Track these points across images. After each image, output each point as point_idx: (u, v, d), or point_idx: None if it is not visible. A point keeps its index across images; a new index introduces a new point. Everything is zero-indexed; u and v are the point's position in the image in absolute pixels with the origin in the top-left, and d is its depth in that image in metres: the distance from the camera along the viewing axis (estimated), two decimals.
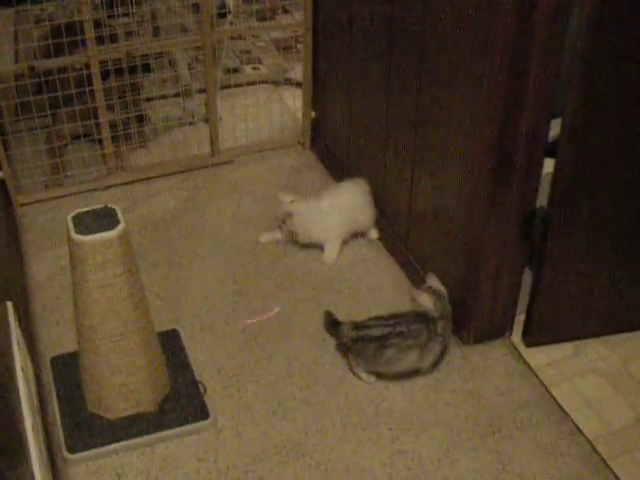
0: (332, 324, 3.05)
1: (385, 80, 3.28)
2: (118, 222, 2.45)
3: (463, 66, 2.67)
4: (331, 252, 3.51)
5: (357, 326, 2.93)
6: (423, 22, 2.87)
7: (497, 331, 3.09)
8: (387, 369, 2.92)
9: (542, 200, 2.79)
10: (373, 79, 3.41)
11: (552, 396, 2.86)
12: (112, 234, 2.40)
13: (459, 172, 2.84)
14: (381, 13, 3.20)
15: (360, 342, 2.89)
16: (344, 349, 3.02)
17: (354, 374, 2.97)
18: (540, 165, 2.73)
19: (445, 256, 3.07)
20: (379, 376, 2.95)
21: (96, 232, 2.41)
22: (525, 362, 3.00)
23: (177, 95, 4.45)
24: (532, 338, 3.05)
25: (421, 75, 2.97)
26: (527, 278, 3.00)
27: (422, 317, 2.92)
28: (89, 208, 2.53)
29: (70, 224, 2.46)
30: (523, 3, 2.37)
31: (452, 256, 3.01)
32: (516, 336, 3.08)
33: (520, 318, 3.07)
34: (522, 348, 3.05)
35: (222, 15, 4.37)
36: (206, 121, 4.29)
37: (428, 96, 2.95)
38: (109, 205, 2.54)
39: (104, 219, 2.47)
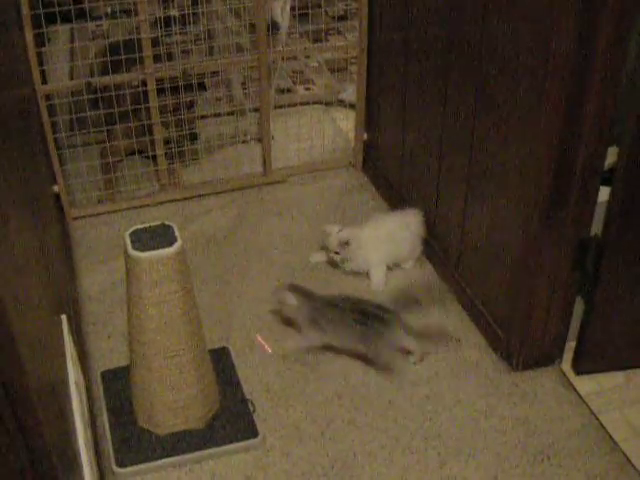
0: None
1: (441, 104, 3.28)
2: (175, 239, 2.47)
3: (521, 93, 2.67)
4: (379, 278, 3.51)
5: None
6: (481, 48, 2.87)
7: (547, 358, 3.08)
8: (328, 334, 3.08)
9: (596, 228, 2.78)
10: (428, 102, 3.42)
11: (602, 425, 2.84)
12: (169, 251, 2.43)
13: (513, 198, 2.83)
14: (438, 37, 3.21)
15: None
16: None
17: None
18: (595, 193, 2.71)
19: (497, 282, 3.06)
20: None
21: (153, 249, 2.43)
22: (575, 390, 2.98)
23: (231, 114, 4.48)
24: (582, 366, 3.03)
25: (477, 100, 2.97)
26: (579, 305, 2.98)
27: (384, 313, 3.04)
28: (146, 225, 2.55)
29: (127, 240, 2.48)
30: (583, 32, 2.37)
31: (504, 282, 3.00)
32: (566, 363, 3.06)
33: (571, 345, 3.05)
34: (572, 376, 3.03)
35: (274, 27, 4.41)
36: (259, 140, 4.32)
37: (484, 121, 2.95)
38: (166, 222, 2.56)
39: (161, 236, 2.50)
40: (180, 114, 3.94)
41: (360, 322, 2.98)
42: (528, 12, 2.54)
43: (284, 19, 4.49)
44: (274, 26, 4.44)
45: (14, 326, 1.36)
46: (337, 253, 3.51)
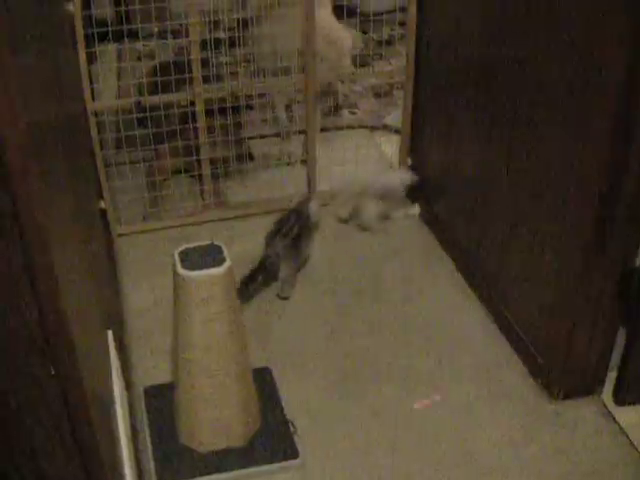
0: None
1: (486, 132, 3.30)
2: (224, 259, 2.50)
3: (568, 124, 2.68)
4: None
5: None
6: (526, 78, 2.89)
7: (588, 388, 3.07)
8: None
9: None
10: (473, 130, 3.43)
11: None
12: (218, 271, 2.46)
13: (558, 227, 2.84)
14: (484, 65, 3.23)
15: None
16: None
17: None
18: None
19: (539, 309, 3.06)
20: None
21: (202, 268, 2.46)
22: (615, 420, 2.97)
23: (277, 135, 4.51)
24: (623, 397, 3.02)
25: (524, 129, 2.99)
26: (620, 336, 2.98)
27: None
28: (195, 244, 2.58)
29: (177, 259, 2.51)
30: (632, 63, 2.38)
31: (547, 311, 3.01)
32: (607, 394, 3.05)
33: (612, 375, 3.05)
34: (612, 406, 3.02)
35: None
36: (304, 162, 4.35)
37: (529, 149, 2.96)
38: (215, 242, 2.60)
39: (210, 255, 2.53)
40: (227, 134, 3.98)
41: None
42: (576, 43, 2.56)
43: None
44: None
45: (76, 342, 1.39)
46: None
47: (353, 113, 5.25)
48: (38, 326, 1.32)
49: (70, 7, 3.37)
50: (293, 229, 3.59)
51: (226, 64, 4.12)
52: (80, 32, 3.46)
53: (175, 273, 2.51)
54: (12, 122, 1.16)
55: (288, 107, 4.65)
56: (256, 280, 3.48)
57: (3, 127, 1.15)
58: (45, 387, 1.39)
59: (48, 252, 1.27)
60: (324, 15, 4.26)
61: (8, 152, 1.16)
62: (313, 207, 3.77)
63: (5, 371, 1.35)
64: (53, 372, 1.38)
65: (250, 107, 4.30)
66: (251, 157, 4.19)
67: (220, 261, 2.50)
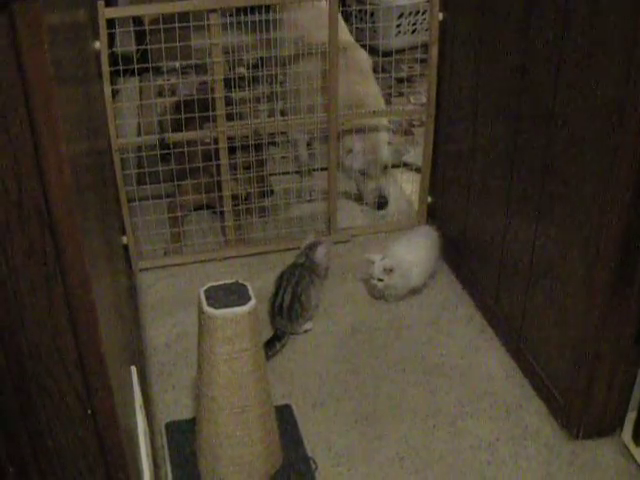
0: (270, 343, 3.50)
1: (507, 172, 3.31)
2: (249, 298, 2.52)
3: (591, 161, 2.69)
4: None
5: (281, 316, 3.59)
6: (551, 117, 2.91)
7: (608, 428, 3.07)
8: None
9: None
10: (494, 170, 3.45)
11: None
12: (244, 309, 2.48)
13: (580, 266, 2.85)
14: (507, 104, 3.25)
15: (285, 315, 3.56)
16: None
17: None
18: None
19: (560, 351, 3.07)
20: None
21: (227, 306, 2.48)
22: (635, 461, 2.96)
23: (298, 172, 4.55)
24: None
25: (545, 171, 3.00)
26: None
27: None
28: (221, 282, 2.61)
29: (202, 296, 2.53)
30: None
31: (568, 350, 3.01)
32: (627, 434, 3.05)
33: (631, 416, 3.05)
34: (633, 447, 3.01)
35: (381, 206, 4.52)
36: (324, 199, 4.38)
37: (551, 193, 2.98)
38: (240, 280, 2.62)
39: (235, 293, 2.55)
40: (250, 171, 4.01)
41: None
42: (601, 87, 2.58)
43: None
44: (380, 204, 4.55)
45: (112, 382, 1.41)
46: (380, 280, 3.70)
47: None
48: (77, 369, 1.34)
49: (97, 45, 3.41)
50: (286, 295, 3.61)
51: (249, 101, 4.16)
52: (106, 69, 3.50)
53: (200, 311, 2.53)
54: (59, 168, 1.19)
55: (309, 144, 4.68)
56: (275, 347, 3.49)
57: (51, 175, 1.18)
58: (81, 428, 1.41)
59: (90, 294, 1.29)
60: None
61: (55, 198, 1.19)
62: (320, 253, 3.80)
63: (43, 413, 1.37)
64: (89, 412, 1.40)
65: (273, 144, 4.34)
66: (271, 192, 4.21)
67: (245, 299, 2.52)
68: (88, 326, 1.31)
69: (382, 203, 4.47)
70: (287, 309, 3.55)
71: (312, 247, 3.81)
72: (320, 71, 4.10)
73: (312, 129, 4.16)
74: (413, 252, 3.80)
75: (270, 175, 4.41)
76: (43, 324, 1.28)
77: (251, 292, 2.56)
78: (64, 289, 1.26)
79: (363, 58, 4.60)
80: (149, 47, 4.07)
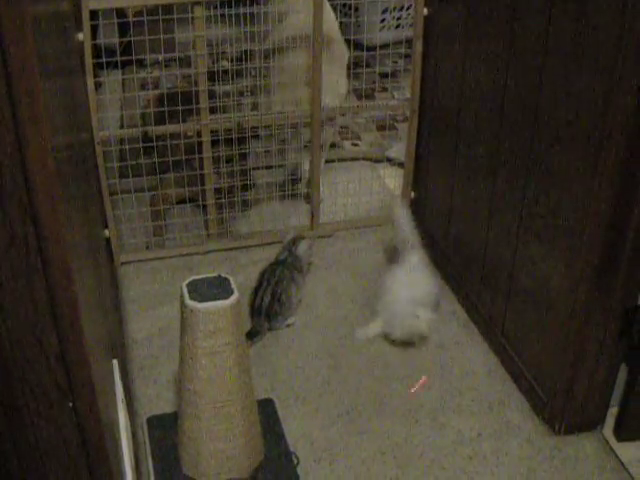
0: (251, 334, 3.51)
1: (491, 166, 3.31)
2: (232, 291, 2.51)
3: (574, 158, 2.70)
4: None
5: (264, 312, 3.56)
6: (536, 110, 2.91)
7: (589, 423, 3.08)
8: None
9: None
10: (478, 164, 3.45)
11: None
12: (226, 303, 2.47)
13: (562, 263, 2.86)
14: (492, 99, 3.25)
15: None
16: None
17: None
18: None
19: (542, 346, 3.07)
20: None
21: (210, 300, 2.47)
22: (616, 456, 2.97)
23: (280, 166, 4.53)
24: (624, 433, 3.02)
25: (529, 163, 3.00)
26: (622, 372, 2.99)
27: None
28: (203, 276, 2.59)
29: (184, 290, 2.52)
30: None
31: (550, 346, 3.02)
32: (608, 429, 3.06)
33: (613, 411, 3.06)
34: (614, 442, 3.02)
35: (295, 181, 4.50)
36: (307, 196, 4.38)
37: (535, 185, 2.98)
38: (222, 274, 2.61)
39: (217, 287, 2.54)
40: (232, 165, 4.00)
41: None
42: (586, 83, 2.58)
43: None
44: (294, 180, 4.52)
45: (93, 375, 1.40)
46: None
47: (356, 145, 5.28)
48: (58, 362, 1.33)
49: (80, 36, 3.39)
50: (266, 295, 3.59)
51: (232, 94, 4.15)
52: (89, 61, 3.48)
53: (182, 304, 2.52)
54: (43, 159, 1.18)
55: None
56: (254, 337, 3.49)
57: (34, 166, 1.16)
58: (63, 421, 1.40)
59: (72, 286, 1.28)
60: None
61: (38, 189, 1.18)
62: (302, 248, 3.80)
63: (24, 405, 1.36)
64: (71, 405, 1.39)
65: (256, 137, 4.32)
66: (253, 186, 4.20)
67: (228, 293, 2.51)
68: (70, 318, 1.30)
69: (295, 179, 4.47)
70: (266, 309, 3.54)
71: (294, 241, 3.79)
72: (304, 63, 4.10)
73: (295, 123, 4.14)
74: (420, 292, 3.59)
75: (254, 169, 4.40)
76: (24, 316, 1.27)
77: (234, 286, 2.55)
78: (46, 281, 1.25)
79: (345, 53, 4.58)
80: (132, 39, 4.04)
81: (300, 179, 4.44)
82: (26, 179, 1.19)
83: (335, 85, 4.31)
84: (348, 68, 4.58)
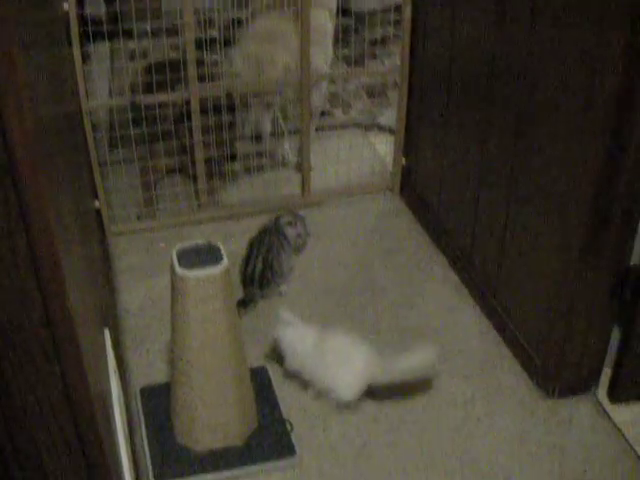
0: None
1: (481, 130, 3.30)
2: (221, 258, 2.50)
3: (564, 120, 2.69)
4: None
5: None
6: (525, 75, 2.90)
7: (583, 385, 3.08)
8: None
9: (636, 258, 2.79)
10: (468, 129, 3.44)
11: (637, 454, 2.83)
12: (216, 270, 2.46)
13: (553, 225, 2.85)
14: (481, 65, 3.23)
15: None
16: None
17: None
18: (636, 222, 2.72)
19: (534, 309, 3.07)
20: None
21: (199, 267, 2.46)
22: (610, 418, 2.98)
23: (272, 135, 4.50)
24: (618, 395, 3.03)
25: (519, 127, 3.00)
26: (615, 334, 2.99)
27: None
28: (193, 243, 2.59)
29: (174, 258, 2.51)
30: (630, 62, 2.39)
31: (542, 309, 3.02)
32: (602, 391, 3.06)
33: (607, 373, 3.06)
34: (607, 404, 3.03)
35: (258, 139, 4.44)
36: (298, 163, 4.36)
37: (525, 148, 2.97)
38: (212, 241, 2.60)
39: (207, 254, 2.53)
40: (221, 134, 3.98)
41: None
42: (576, 41, 2.57)
43: None
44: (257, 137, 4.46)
45: (80, 340, 1.39)
46: None
47: (346, 113, 5.26)
48: (43, 325, 1.33)
49: (65, 6, 3.36)
50: (258, 261, 3.57)
51: (220, 63, 4.13)
52: (75, 31, 3.45)
53: (173, 272, 2.51)
54: (20, 120, 1.17)
55: (282, 106, 4.63)
56: (247, 306, 3.50)
57: (12, 124, 1.15)
58: (49, 385, 1.40)
59: (55, 249, 1.27)
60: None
61: (16, 150, 1.17)
62: (284, 220, 3.72)
63: (10, 369, 1.36)
64: (58, 369, 1.38)
65: (245, 106, 4.30)
66: (234, 157, 4.18)
67: (218, 260, 2.50)
68: (53, 281, 1.29)
69: (258, 137, 4.40)
70: (258, 277, 3.54)
71: (280, 216, 3.77)
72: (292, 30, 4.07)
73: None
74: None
75: (243, 138, 4.38)
76: (7, 278, 1.26)
77: (223, 253, 2.54)
78: (28, 243, 1.23)
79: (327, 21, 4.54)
80: (119, 9, 4.01)
81: (262, 136, 4.39)
82: (5, 141, 1.18)
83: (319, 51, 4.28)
84: (336, 36, 4.55)
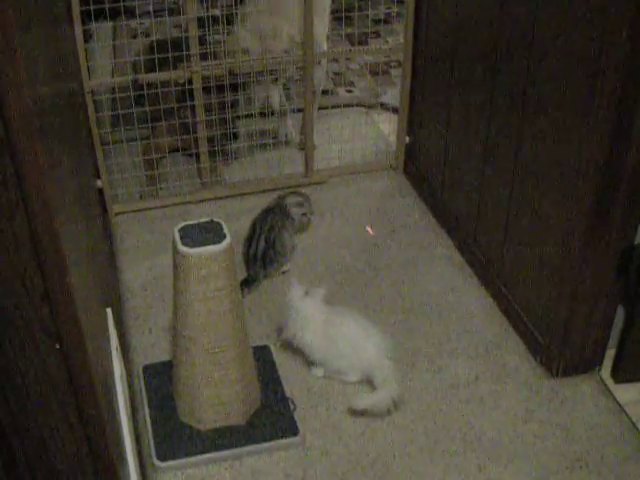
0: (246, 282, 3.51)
1: (485, 108, 3.28)
2: (224, 236, 2.50)
3: (570, 97, 2.67)
4: None
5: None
6: (530, 49, 2.87)
7: (587, 365, 3.08)
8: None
9: None
10: (472, 106, 3.42)
11: None
12: (218, 248, 2.45)
13: (559, 204, 2.84)
14: (485, 40, 3.21)
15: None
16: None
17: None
18: None
19: (539, 288, 3.06)
20: None
21: (202, 245, 2.45)
22: (614, 398, 2.97)
23: (273, 113, 4.49)
24: (622, 374, 3.02)
25: (524, 104, 2.98)
26: (619, 313, 2.98)
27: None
28: (195, 221, 2.58)
29: (176, 236, 2.50)
30: (635, 35, 2.37)
31: (546, 288, 3.00)
32: (605, 371, 3.06)
33: (610, 353, 3.05)
34: (611, 383, 3.02)
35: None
36: (301, 145, 4.35)
37: (530, 126, 2.96)
38: (215, 219, 2.59)
39: (210, 232, 2.52)
40: (224, 113, 3.97)
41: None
42: (581, 14, 2.54)
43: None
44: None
45: (80, 318, 1.38)
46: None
47: (350, 91, 5.24)
48: (43, 301, 1.32)
49: None
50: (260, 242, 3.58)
51: (223, 42, 4.10)
52: (77, 9, 3.44)
53: (175, 250, 2.50)
54: (18, 96, 1.15)
55: (285, 85, 4.61)
56: (251, 285, 3.49)
57: (10, 101, 1.14)
58: (50, 362, 1.39)
59: (54, 226, 1.26)
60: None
61: (14, 125, 1.15)
62: (290, 201, 3.74)
63: (10, 347, 1.35)
64: (58, 346, 1.37)
65: (248, 85, 4.28)
66: (235, 136, 4.17)
67: (220, 238, 2.49)
68: (53, 258, 1.28)
69: (269, 113, 4.36)
70: (261, 256, 3.53)
71: (286, 195, 3.78)
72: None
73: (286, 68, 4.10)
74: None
75: (246, 117, 4.37)
76: (6, 254, 1.25)
77: (226, 230, 2.53)
78: (27, 219, 1.22)
79: None
80: None
81: (273, 112, 4.37)
82: (3, 118, 1.17)
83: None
84: (334, 12, 4.51)
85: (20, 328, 1.33)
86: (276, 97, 4.33)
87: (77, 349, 1.39)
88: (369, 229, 3.43)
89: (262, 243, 3.52)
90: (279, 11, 4.12)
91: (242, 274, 3.48)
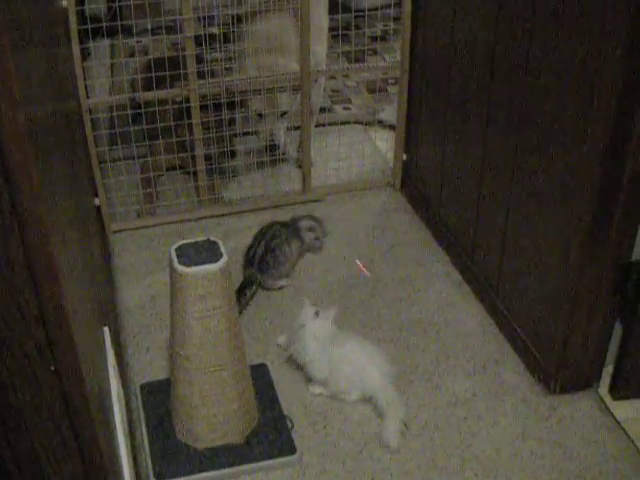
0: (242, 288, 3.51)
1: (482, 125, 3.29)
2: (221, 255, 2.50)
3: (566, 111, 2.68)
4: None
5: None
6: (526, 67, 2.88)
7: (584, 382, 3.07)
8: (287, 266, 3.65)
9: (638, 253, 2.78)
10: (469, 123, 3.43)
11: (638, 451, 2.83)
12: (215, 267, 2.45)
13: (555, 221, 2.84)
14: (482, 58, 3.22)
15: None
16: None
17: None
18: (638, 217, 2.71)
19: (536, 304, 3.06)
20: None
21: (199, 264, 2.46)
22: (612, 415, 2.97)
23: (277, 148, 4.48)
24: (620, 391, 3.02)
25: (521, 121, 2.98)
26: (617, 330, 2.98)
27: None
28: (192, 240, 2.58)
29: (173, 255, 2.51)
30: (632, 51, 2.38)
31: (543, 305, 3.00)
32: (603, 388, 3.05)
33: (608, 369, 3.05)
34: (609, 400, 3.02)
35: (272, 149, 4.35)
36: (298, 163, 4.36)
37: (527, 143, 2.96)
38: (211, 238, 2.59)
39: (206, 251, 2.53)
40: (221, 131, 3.97)
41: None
42: (576, 32, 2.55)
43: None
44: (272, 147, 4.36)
45: (75, 338, 1.38)
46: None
47: (347, 108, 5.25)
48: (38, 324, 1.32)
49: (64, 3, 3.35)
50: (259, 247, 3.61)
51: (220, 60, 4.11)
52: (74, 28, 3.44)
53: (172, 269, 2.50)
54: (13, 116, 1.15)
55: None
56: (245, 295, 3.47)
57: (4, 121, 1.14)
58: (45, 384, 1.39)
59: (49, 247, 1.26)
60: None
61: (8, 146, 1.16)
62: (304, 224, 3.79)
63: (5, 368, 1.35)
64: (53, 368, 1.37)
65: (245, 103, 4.29)
66: (233, 154, 4.17)
67: (217, 257, 2.50)
68: (47, 278, 1.28)
69: (274, 145, 4.33)
70: (258, 260, 3.55)
71: (301, 217, 3.82)
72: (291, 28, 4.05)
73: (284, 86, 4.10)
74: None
75: (244, 134, 4.38)
76: (1, 280, 1.25)
77: (223, 249, 2.53)
78: (22, 240, 1.22)
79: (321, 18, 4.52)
80: (117, 5, 4.00)
81: (278, 146, 4.36)
82: None
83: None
84: (332, 30, 4.52)
85: (14, 349, 1.33)
86: (281, 132, 4.32)
87: (72, 371, 1.39)
88: (363, 268, 3.44)
89: (261, 248, 3.56)
90: (279, 48, 4.12)
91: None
